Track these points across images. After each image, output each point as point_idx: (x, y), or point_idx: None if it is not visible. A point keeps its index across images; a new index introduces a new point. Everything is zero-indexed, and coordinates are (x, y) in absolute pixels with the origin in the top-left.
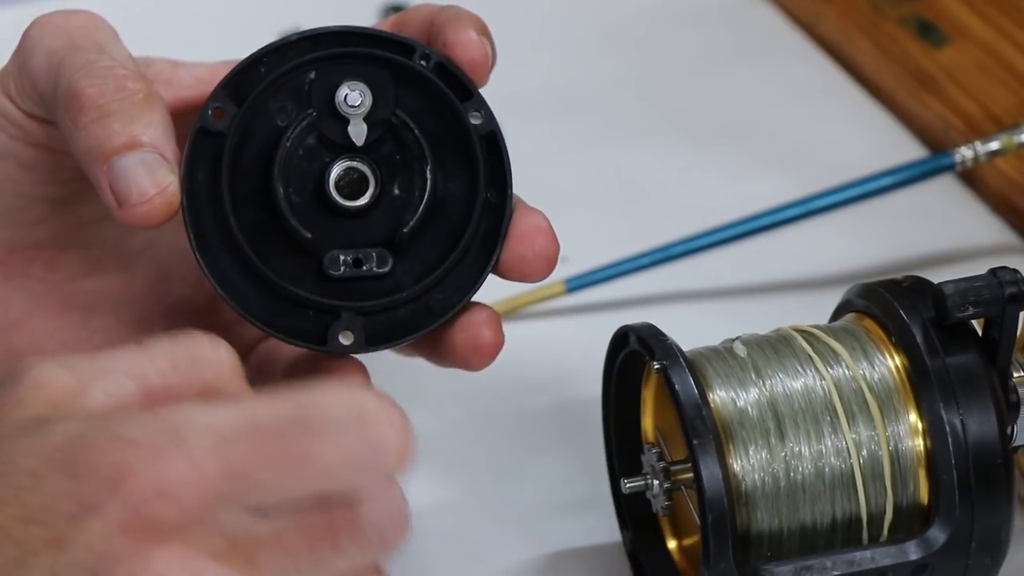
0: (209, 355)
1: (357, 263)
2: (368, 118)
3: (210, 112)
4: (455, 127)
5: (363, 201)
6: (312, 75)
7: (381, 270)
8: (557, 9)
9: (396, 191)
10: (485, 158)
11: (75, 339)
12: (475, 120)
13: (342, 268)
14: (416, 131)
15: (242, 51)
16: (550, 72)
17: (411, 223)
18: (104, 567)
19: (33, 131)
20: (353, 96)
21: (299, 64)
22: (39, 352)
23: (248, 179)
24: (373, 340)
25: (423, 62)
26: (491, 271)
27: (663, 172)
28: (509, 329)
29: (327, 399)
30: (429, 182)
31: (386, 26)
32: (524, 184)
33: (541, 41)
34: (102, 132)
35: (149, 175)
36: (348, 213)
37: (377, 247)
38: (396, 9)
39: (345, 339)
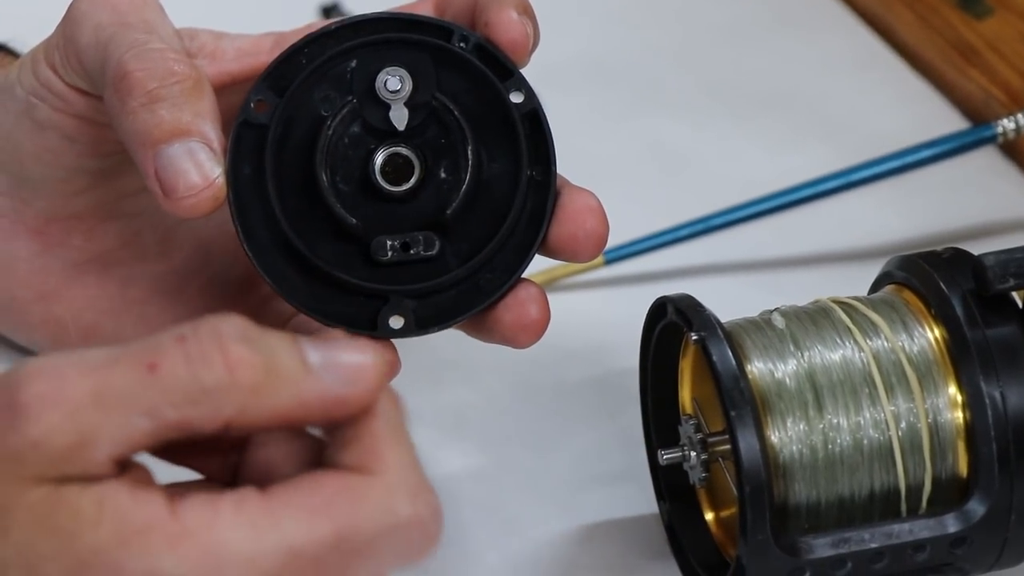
0: (224, 382)
1: (405, 247)
2: (409, 103)
3: (252, 105)
4: (497, 107)
5: (408, 185)
6: (353, 63)
7: (429, 253)
8: None
9: (442, 174)
10: (528, 136)
11: (113, 309)
12: (516, 99)
13: (390, 253)
14: (456, 113)
15: (281, 22)
16: (589, 42)
17: (455, 204)
18: None
19: (76, 103)
20: (393, 82)
21: (339, 52)
22: (78, 321)
23: (293, 169)
24: (423, 323)
25: (462, 44)
26: (539, 250)
27: (701, 143)
28: (544, 291)
29: (362, 512)
30: (471, 162)
31: (427, 7)
32: (563, 154)
33: (580, 11)
34: (150, 118)
35: (197, 168)
36: (394, 198)
37: (424, 230)
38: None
39: (395, 323)
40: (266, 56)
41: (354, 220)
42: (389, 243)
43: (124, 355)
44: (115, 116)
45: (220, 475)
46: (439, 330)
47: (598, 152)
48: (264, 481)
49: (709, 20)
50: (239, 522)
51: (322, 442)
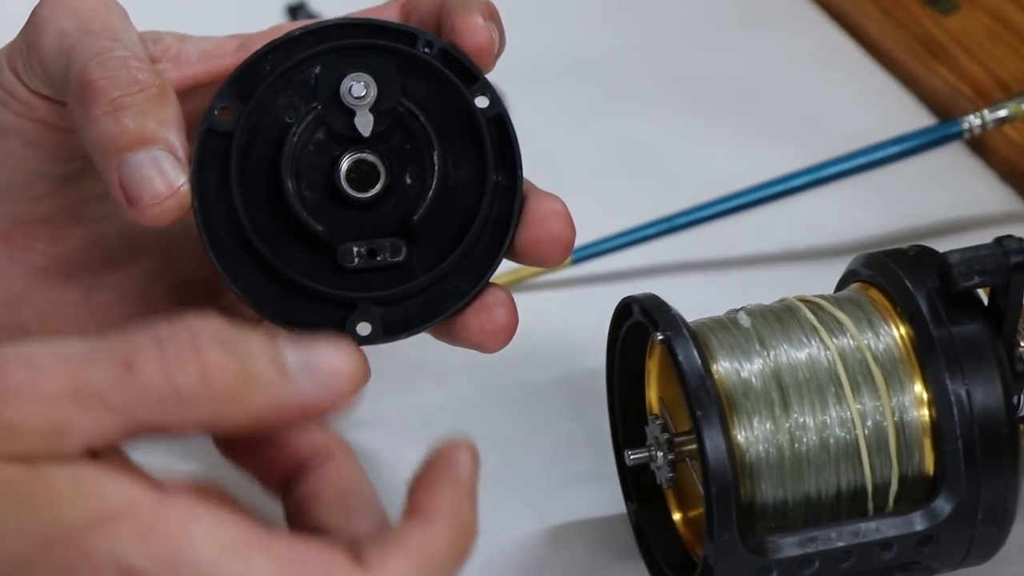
0: (198, 388)
1: (371, 254)
2: (374, 108)
3: (216, 112)
4: (462, 112)
5: (374, 192)
6: (317, 69)
7: (396, 259)
8: None
9: (407, 180)
10: (493, 141)
11: (78, 314)
12: (482, 104)
13: (356, 260)
14: (422, 118)
15: (246, 22)
16: (555, 40)
17: (422, 210)
18: None
19: (39, 109)
20: (358, 87)
21: (303, 59)
22: (42, 326)
23: (258, 176)
24: (391, 329)
25: (426, 49)
26: (505, 255)
27: (668, 141)
28: (512, 295)
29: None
30: (438, 168)
31: (393, 11)
32: (529, 154)
33: (547, 9)
34: (114, 126)
35: (161, 176)
36: (360, 205)
37: (390, 237)
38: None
39: (363, 330)
40: (230, 59)
41: (320, 227)
42: (355, 249)
43: (101, 351)
44: (79, 124)
45: (270, 484)
46: (407, 336)
47: (565, 150)
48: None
49: (675, 17)
50: (213, 538)
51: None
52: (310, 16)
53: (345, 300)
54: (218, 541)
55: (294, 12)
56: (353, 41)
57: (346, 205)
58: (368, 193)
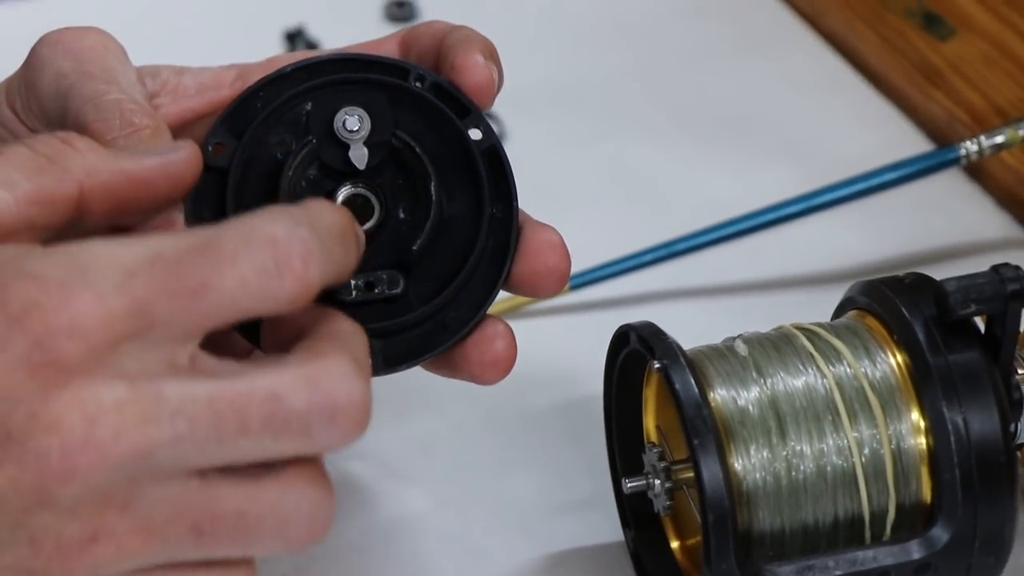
0: (66, 150)
1: (369, 286)
2: (368, 142)
3: (210, 148)
4: (456, 144)
5: (369, 225)
6: (309, 106)
7: (393, 291)
8: (559, 3)
9: (401, 215)
10: (488, 173)
11: None
12: (475, 136)
13: (354, 292)
14: (418, 149)
15: (245, 48)
16: (553, 67)
17: (419, 242)
18: (3, 406)
19: None
20: (351, 121)
21: (295, 94)
22: None
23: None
24: (391, 361)
25: (418, 84)
26: (502, 286)
27: (666, 167)
28: (511, 327)
29: (232, 231)
30: (435, 198)
31: (392, 44)
32: (525, 180)
33: (543, 36)
34: None
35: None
36: None
37: (387, 269)
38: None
39: None
40: (228, 90)
41: None
42: (353, 282)
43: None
44: None
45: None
46: (407, 368)
47: (562, 177)
48: None
49: (674, 43)
50: (111, 241)
51: None
52: (308, 43)
53: None
54: (115, 241)
55: (292, 39)
56: (345, 76)
57: None
58: (363, 227)
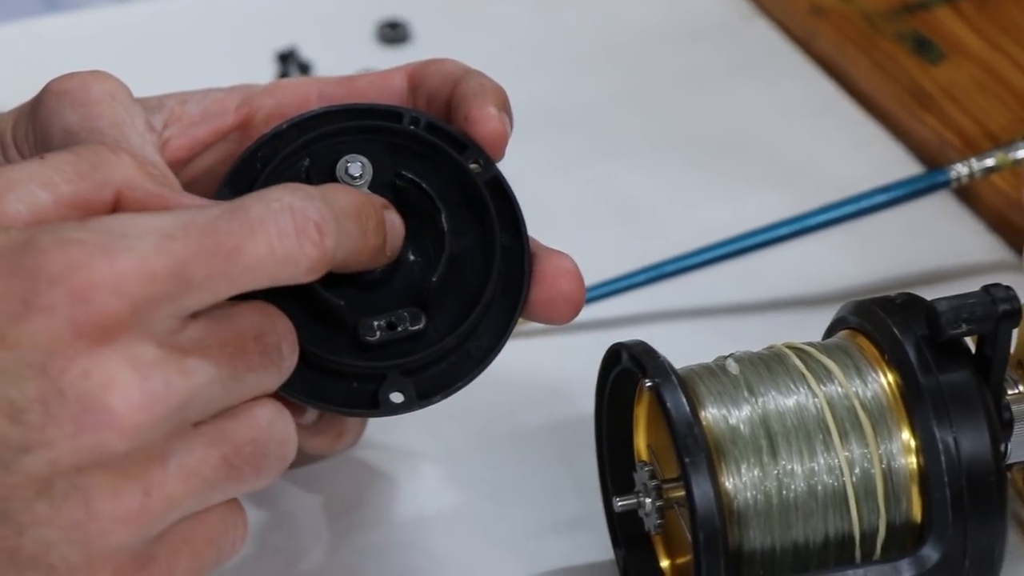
0: (110, 159)
1: (391, 326)
2: (371, 186)
3: None
4: (458, 179)
5: (381, 268)
6: (307, 162)
7: (416, 327)
8: (552, 26)
9: (411, 256)
10: (494, 203)
11: None
12: (475, 169)
13: (378, 333)
14: (424, 184)
15: (238, 69)
16: (545, 89)
17: (435, 277)
18: (54, 365)
19: None
20: (354, 167)
21: (293, 151)
22: None
23: None
24: (424, 395)
25: (412, 126)
26: (522, 310)
27: (658, 189)
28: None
29: (255, 199)
30: (447, 232)
31: (400, 77)
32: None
33: (535, 58)
34: None
35: None
36: (369, 283)
37: (407, 307)
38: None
39: (396, 398)
40: (233, 116)
41: (341, 302)
42: (375, 323)
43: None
44: None
45: None
46: (440, 400)
47: (554, 199)
48: None
49: (665, 66)
50: (142, 213)
51: None
52: (300, 64)
53: (374, 372)
54: (148, 215)
55: (284, 59)
56: (340, 126)
57: (356, 286)
58: (376, 271)
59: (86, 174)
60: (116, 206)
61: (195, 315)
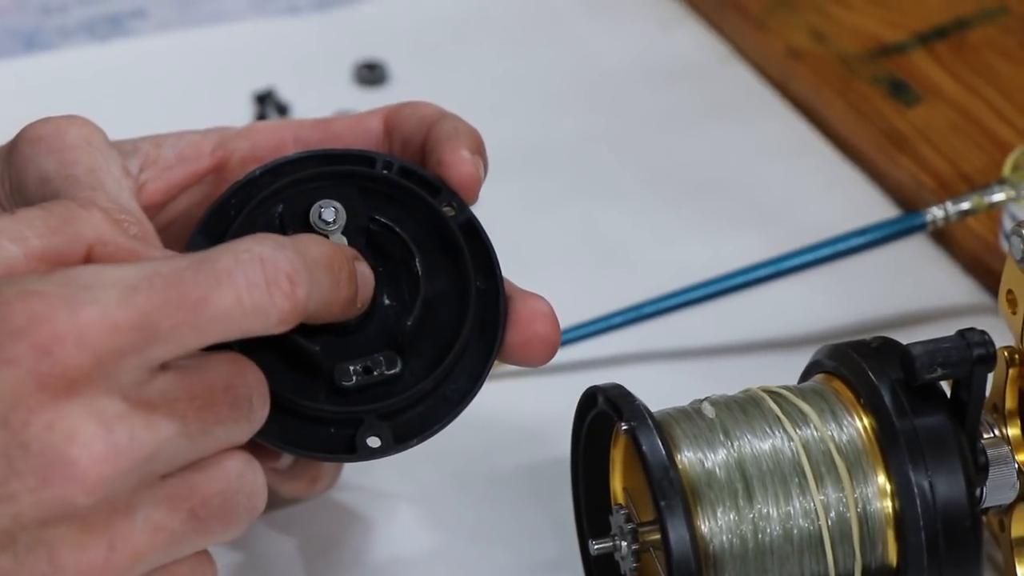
0: (81, 215)
1: (367, 370)
2: (345, 231)
3: None
4: (432, 222)
5: (357, 315)
6: (280, 208)
7: (392, 371)
8: (530, 66)
9: (386, 300)
10: (468, 246)
11: None
12: (448, 213)
13: (354, 378)
14: (397, 229)
15: (215, 111)
16: (522, 129)
17: (410, 321)
18: (16, 418)
19: None
20: (327, 212)
21: (266, 197)
22: None
23: None
24: (400, 439)
25: (385, 171)
26: (497, 353)
27: (635, 230)
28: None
29: (224, 251)
30: (421, 276)
31: (377, 120)
32: (495, 244)
33: (512, 98)
34: None
35: None
36: (344, 329)
37: (383, 351)
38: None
39: (373, 443)
40: (208, 159)
41: (316, 347)
42: (351, 368)
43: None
44: None
45: None
46: (417, 443)
47: (530, 239)
48: None
49: (643, 107)
50: (106, 264)
51: None
52: (278, 105)
53: (351, 417)
54: (113, 265)
55: (262, 101)
56: (313, 171)
57: (331, 332)
58: (351, 318)
59: (57, 228)
60: (88, 260)
61: (164, 366)
